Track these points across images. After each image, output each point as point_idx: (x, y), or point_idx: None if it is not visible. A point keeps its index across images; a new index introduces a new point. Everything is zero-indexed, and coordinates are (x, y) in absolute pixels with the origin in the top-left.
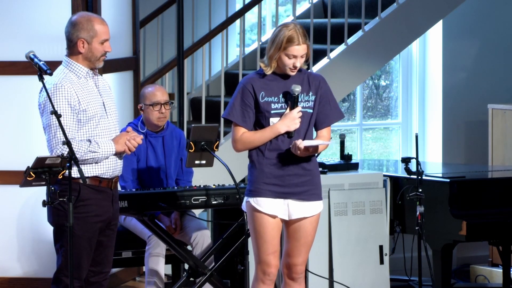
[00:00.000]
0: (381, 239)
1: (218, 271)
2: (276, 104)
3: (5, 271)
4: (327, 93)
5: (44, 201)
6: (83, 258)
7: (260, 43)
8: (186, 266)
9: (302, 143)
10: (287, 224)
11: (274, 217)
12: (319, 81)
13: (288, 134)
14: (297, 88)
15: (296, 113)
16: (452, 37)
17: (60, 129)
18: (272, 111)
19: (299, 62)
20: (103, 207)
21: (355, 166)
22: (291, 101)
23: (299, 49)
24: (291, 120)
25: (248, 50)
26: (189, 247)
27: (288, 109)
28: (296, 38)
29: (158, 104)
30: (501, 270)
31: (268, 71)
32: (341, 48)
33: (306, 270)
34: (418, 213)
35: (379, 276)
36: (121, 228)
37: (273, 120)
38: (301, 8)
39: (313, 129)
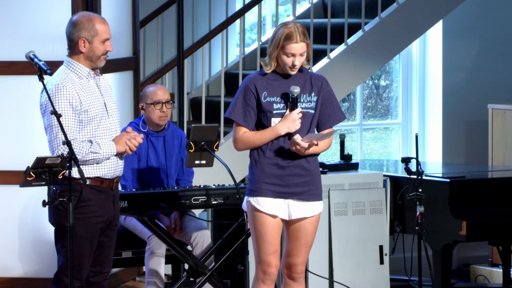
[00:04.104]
0: (381, 239)
1: (218, 271)
2: (278, 104)
3: (6, 271)
4: (330, 94)
5: (44, 201)
6: (84, 258)
7: (260, 43)
8: (186, 266)
9: (299, 137)
10: (288, 224)
11: (274, 217)
12: (322, 82)
13: (289, 136)
14: (296, 89)
15: (296, 114)
16: (452, 37)
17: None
18: (274, 111)
19: (298, 61)
20: (105, 207)
21: (355, 166)
22: (291, 102)
23: (297, 47)
24: (291, 122)
25: (248, 50)
26: (189, 247)
27: (288, 110)
28: (294, 36)
29: (160, 103)
30: (501, 270)
31: (268, 70)
32: (341, 48)
33: (306, 270)
34: (418, 213)
35: (379, 276)
36: (121, 228)
37: (275, 120)
38: (301, 8)
39: (315, 130)
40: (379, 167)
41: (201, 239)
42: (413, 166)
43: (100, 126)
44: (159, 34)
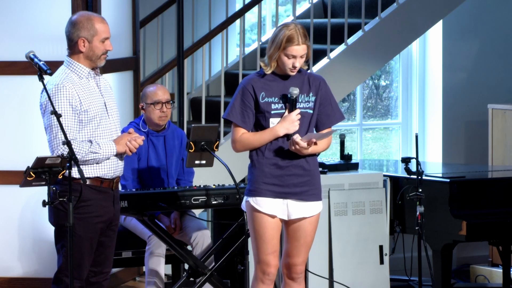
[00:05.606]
0: (381, 239)
1: (218, 271)
2: (276, 105)
3: (6, 271)
4: (328, 94)
5: (44, 201)
6: (84, 258)
7: (260, 43)
8: (186, 266)
9: (298, 137)
10: (287, 224)
11: (273, 217)
12: (320, 82)
13: (288, 137)
14: (295, 91)
15: (295, 115)
16: (452, 37)
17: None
18: (272, 112)
19: (299, 63)
20: (104, 207)
21: (355, 166)
22: (290, 103)
23: (299, 49)
24: (290, 123)
25: (248, 50)
26: (189, 247)
27: (286, 111)
28: (296, 38)
29: (160, 103)
30: (501, 270)
31: (268, 71)
32: (341, 48)
33: (306, 270)
34: (418, 213)
35: (379, 276)
36: (121, 228)
37: (273, 120)
38: (301, 8)
39: (314, 131)
40: (379, 167)
41: (201, 239)
42: (413, 166)
43: (100, 126)
44: (159, 34)
